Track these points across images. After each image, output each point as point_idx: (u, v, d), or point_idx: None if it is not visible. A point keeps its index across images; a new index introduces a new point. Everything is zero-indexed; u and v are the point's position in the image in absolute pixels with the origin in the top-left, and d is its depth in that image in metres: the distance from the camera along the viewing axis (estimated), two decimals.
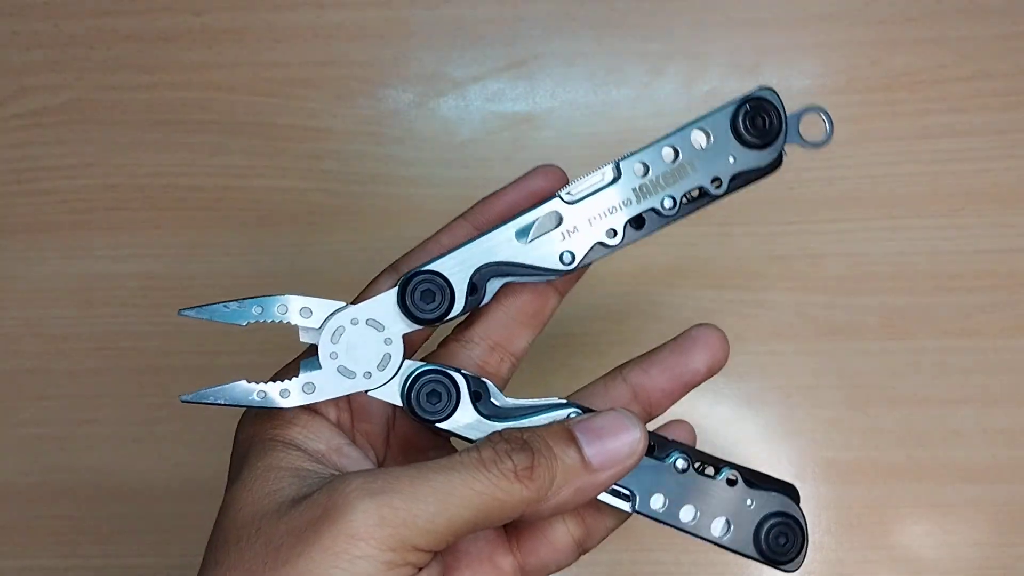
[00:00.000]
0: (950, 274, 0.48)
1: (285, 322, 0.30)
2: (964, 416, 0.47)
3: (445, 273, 0.30)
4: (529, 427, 0.29)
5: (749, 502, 0.31)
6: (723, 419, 0.47)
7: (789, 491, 0.32)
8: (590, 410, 0.31)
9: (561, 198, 0.31)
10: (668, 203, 0.31)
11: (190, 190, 0.50)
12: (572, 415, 0.30)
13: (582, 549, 0.32)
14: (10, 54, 0.51)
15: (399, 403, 0.30)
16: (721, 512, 0.31)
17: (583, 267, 0.31)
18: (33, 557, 0.48)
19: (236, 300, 0.30)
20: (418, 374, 0.30)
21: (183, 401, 0.29)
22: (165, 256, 0.50)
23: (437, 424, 0.30)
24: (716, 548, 0.32)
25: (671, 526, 0.31)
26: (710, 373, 0.33)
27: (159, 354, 0.49)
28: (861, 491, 0.46)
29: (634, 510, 0.31)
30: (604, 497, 0.30)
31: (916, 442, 0.47)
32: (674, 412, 0.47)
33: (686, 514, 0.31)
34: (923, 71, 0.50)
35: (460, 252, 0.31)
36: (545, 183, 0.32)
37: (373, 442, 0.33)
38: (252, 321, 0.30)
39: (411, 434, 0.33)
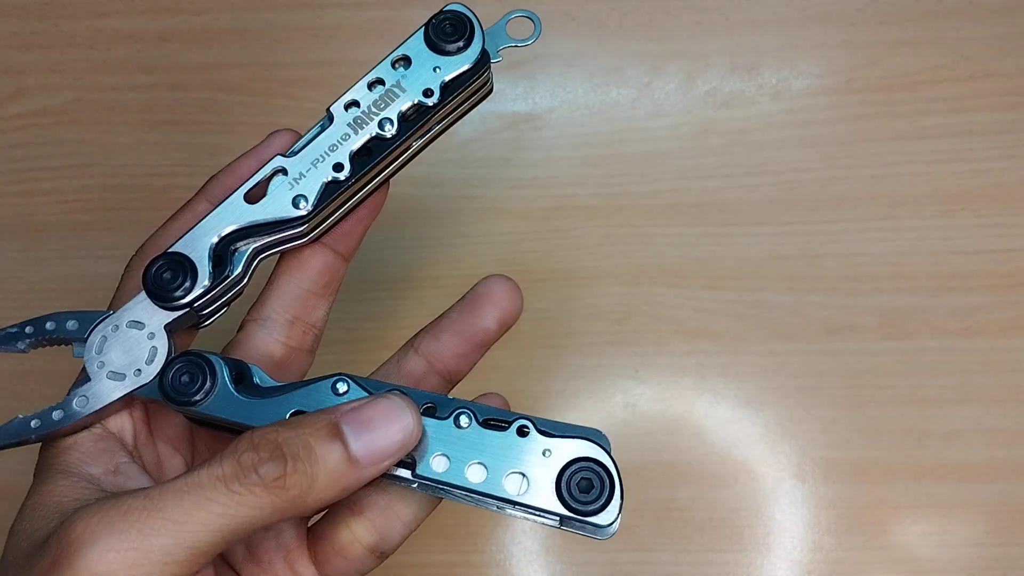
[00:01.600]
0: (950, 274, 0.48)
1: (58, 337, 0.30)
2: (964, 416, 0.47)
3: (184, 251, 0.30)
4: (290, 422, 0.26)
5: (546, 451, 0.28)
6: (723, 419, 0.47)
7: (595, 436, 0.28)
8: (354, 379, 0.29)
9: (281, 155, 0.31)
10: (388, 126, 0.31)
11: (190, 190, 0.50)
12: (339, 383, 0.29)
13: (379, 553, 0.31)
14: (10, 54, 0.51)
15: (157, 395, 0.29)
16: (515, 466, 0.28)
17: (324, 211, 0.31)
18: None
19: (13, 324, 0.31)
20: (170, 363, 0.29)
21: None
22: None
23: (194, 407, 0.29)
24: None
25: (460, 491, 0.28)
26: (503, 328, 0.32)
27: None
28: (861, 491, 0.46)
29: (415, 476, 0.28)
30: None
31: (915, 442, 0.47)
32: (672, 408, 0.48)
33: (475, 474, 0.28)
34: (923, 71, 0.50)
35: (195, 230, 0.30)
36: (277, 147, 0.31)
37: (178, 446, 0.32)
38: (27, 343, 0.30)
39: (214, 432, 0.31)
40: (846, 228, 0.49)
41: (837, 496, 0.46)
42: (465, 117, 0.33)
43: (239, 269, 0.31)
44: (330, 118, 0.31)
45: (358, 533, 0.30)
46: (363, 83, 0.31)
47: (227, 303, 0.31)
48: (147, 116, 0.51)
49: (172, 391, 0.29)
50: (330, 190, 0.30)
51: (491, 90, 0.33)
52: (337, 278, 0.33)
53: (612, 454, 0.28)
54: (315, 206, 0.30)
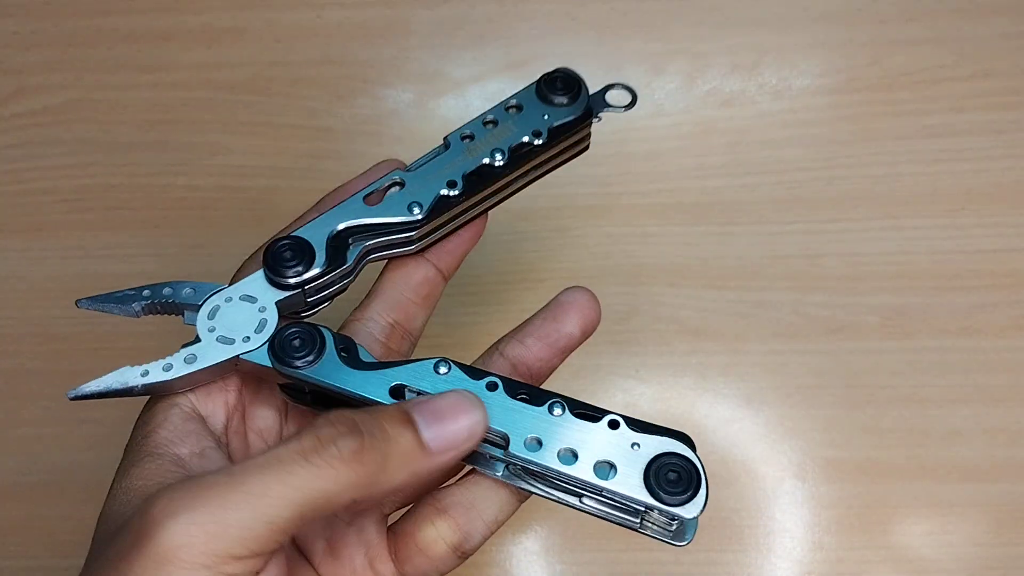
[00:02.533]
0: (950, 274, 0.48)
1: (173, 302, 0.32)
2: (964, 415, 0.47)
3: (304, 236, 0.32)
4: (365, 410, 0.27)
5: (635, 445, 0.29)
6: (723, 419, 0.47)
7: (681, 437, 0.30)
8: (454, 363, 0.31)
9: (399, 169, 0.34)
10: (498, 156, 0.33)
11: (190, 190, 0.50)
12: (441, 365, 0.30)
13: (461, 552, 0.31)
14: (10, 54, 0.51)
15: (267, 362, 0.31)
16: (604, 455, 0.29)
17: (433, 222, 0.33)
18: (33, 557, 0.48)
19: (128, 288, 0.33)
20: (284, 328, 0.31)
21: (70, 399, 0.30)
22: (165, 256, 0.50)
23: (300, 370, 0.30)
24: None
25: (547, 477, 0.29)
26: (584, 335, 0.34)
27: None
28: (861, 490, 0.46)
29: (507, 455, 0.29)
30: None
31: (916, 441, 0.47)
32: (673, 408, 0.47)
33: (565, 459, 0.29)
34: (923, 71, 0.50)
35: (317, 220, 0.33)
36: (385, 169, 0.34)
37: (268, 438, 0.33)
38: (143, 306, 0.32)
39: (304, 424, 0.32)
40: (847, 227, 0.49)
41: (838, 496, 0.46)
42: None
43: (350, 263, 0.33)
44: (446, 145, 0.34)
45: (442, 531, 0.31)
46: (479, 120, 0.34)
47: (332, 295, 0.33)
48: (147, 116, 0.51)
49: (282, 351, 0.30)
50: (441, 203, 0.33)
51: (588, 147, 0.36)
52: (436, 292, 0.35)
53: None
54: (427, 214, 0.33)
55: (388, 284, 0.34)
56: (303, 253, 0.32)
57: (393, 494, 0.28)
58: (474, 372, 0.30)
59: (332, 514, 0.31)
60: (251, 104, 0.51)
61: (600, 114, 0.35)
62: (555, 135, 0.34)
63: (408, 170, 0.34)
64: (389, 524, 0.32)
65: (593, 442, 0.29)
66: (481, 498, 0.31)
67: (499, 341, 0.34)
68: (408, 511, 0.32)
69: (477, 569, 0.47)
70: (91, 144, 0.51)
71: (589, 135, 0.36)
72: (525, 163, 0.34)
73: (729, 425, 0.47)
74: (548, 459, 0.29)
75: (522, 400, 0.30)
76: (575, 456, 0.29)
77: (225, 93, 0.51)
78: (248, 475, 0.25)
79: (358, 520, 0.32)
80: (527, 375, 0.33)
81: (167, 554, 0.24)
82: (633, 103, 0.36)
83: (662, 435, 0.29)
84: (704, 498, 0.29)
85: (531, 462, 0.29)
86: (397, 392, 0.30)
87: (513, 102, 0.34)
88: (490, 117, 0.34)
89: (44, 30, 0.51)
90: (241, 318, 0.31)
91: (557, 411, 0.29)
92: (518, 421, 0.29)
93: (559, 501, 0.30)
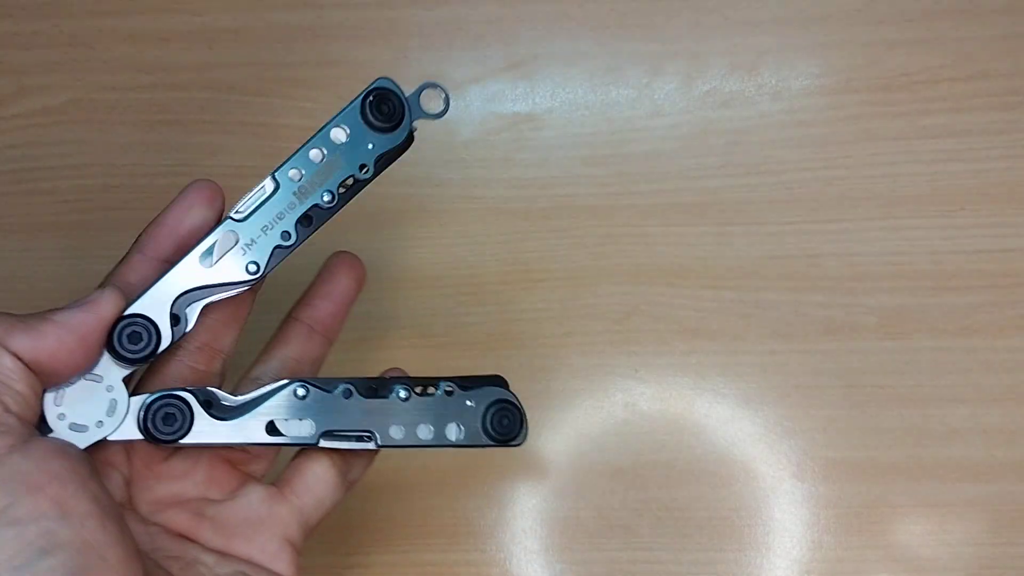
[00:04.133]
0: (949, 274, 0.48)
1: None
2: (963, 415, 0.47)
3: (146, 313, 0.33)
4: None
5: (469, 402, 0.36)
6: (722, 418, 0.47)
7: (498, 381, 0.36)
8: (309, 382, 0.35)
9: (232, 218, 0.34)
10: (327, 197, 0.34)
11: None
12: (299, 389, 0.35)
13: (348, 482, 0.37)
14: (10, 54, 0.51)
15: (139, 437, 0.33)
16: (451, 419, 0.36)
17: (270, 272, 0.35)
18: None
19: None
20: (148, 405, 0.33)
21: None
22: None
23: (179, 441, 0.33)
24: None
25: (418, 447, 0.35)
26: (359, 286, 0.40)
27: None
28: (860, 490, 0.46)
29: (379, 447, 0.35)
30: (349, 444, 0.35)
31: (915, 441, 0.47)
32: (671, 408, 0.47)
33: (424, 432, 0.35)
34: (922, 71, 0.50)
35: (153, 291, 0.33)
36: (200, 197, 0.35)
37: (116, 464, 0.34)
38: None
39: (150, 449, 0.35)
40: (846, 228, 0.49)
41: (836, 495, 0.46)
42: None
43: (192, 322, 0.34)
44: (275, 183, 0.34)
45: (329, 461, 0.36)
46: (307, 150, 0.34)
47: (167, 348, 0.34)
48: (147, 116, 0.51)
49: (160, 434, 0.33)
50: (277, 255, 0.34)
51: (412, 141, 0.36)
52: (243, 310, 0.37)
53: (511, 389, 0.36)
54: (265, 270, 0.34)
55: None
56: (149, 332, 0.33)
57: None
58: (328, 383, 0.35)
59: (206, 499, 0.35)
60: (251, 105, 0.51)
61: (415, 122, 0.36)
62: (380, 165, 0.35)
63: (238, 217, 0.34)
64: (276, 477, 0.36)
65: (440, 412, 0.36)
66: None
67: (290, 311, 0.39)
68: (294, 455, 0.37)
69: (477, 569, 0.47)
70: (91, 144, 0.51)
71: (412, 137, 0.36)
72: (350, 197, 0.35)
73: (728, 425, 0.47)
74: (413, 439, 0.35)
75: (371, 395, 0.35)
76: (431, 428, 0.36)
77: (225, 94, 0.51)
78: None
79: (235, 493, 0.35)
80: (323, 329, 0.38)
81: None
82: (446, 110, 0.36)
83: (484, 386, 0.36)
84: (526, 429, 0.37)
85: (403, 445, 0.35)
86: (272, 429, 0.34)
87: (340, 123, 0.35)
88: (319, 147, 0.34)
89: (44, 30, 0.51)
90: (90, 401, 0.32)
91: (403, 394, 0.35)
92: (377, 417, 0.35)
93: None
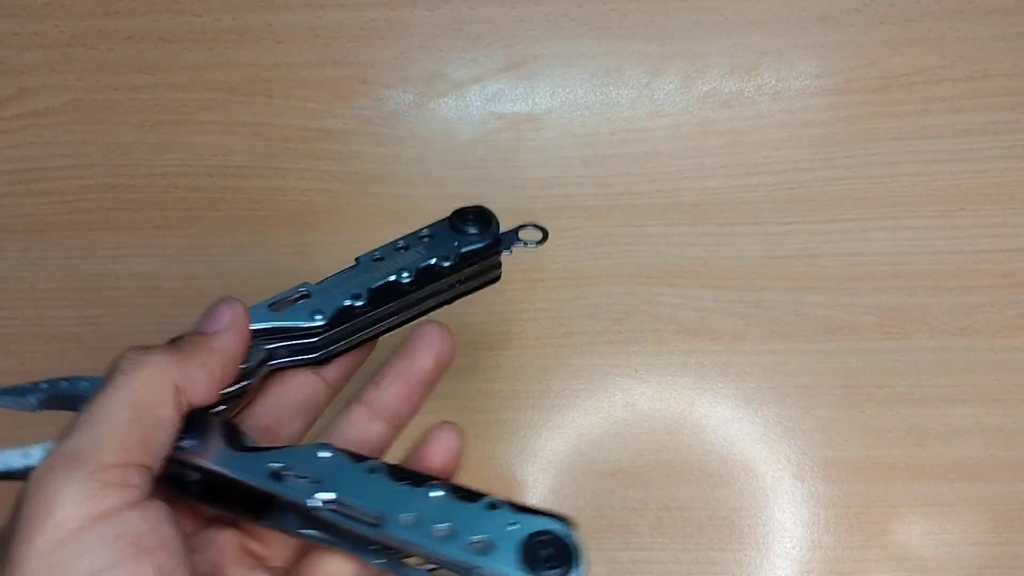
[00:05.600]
0: (948, 274, 0.48)
1: (71, 395, 0.31)
2: (962, 415, 0.47)
3: None
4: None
5: (513, 524, 0.28)
6: (722, 419, 0.47)
7: (561, 519, 0.29)
8: (337, 449, 0.30)
9: (308, 283, 0.34)
10: (405, 275, 0.35)
11: (190, 190, 0.51)
12: (322, 451, 0.30)
13: None
14: (10, 54, 0.51)
15: None
16: (482, 532, 0.28)
17: (344, 349, 0.35)
18: None
19: (27, 382, 0.32)
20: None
21: None
22: (165, 256, 0.50)
23: (181, 456, 0.30)
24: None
25: (427, 554, 0.28)
26: (439, 368, 0.35)
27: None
28: (860, 490, 0.46)
29: (379, 533, 0.28)
30: (349, 525, 0.29)
31: (914, 441, 0.47)
32: (671, 408, 0.48)
33: (440, 534, 0.28)
34: (922, 71, 0.50)
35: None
36: (230, 314, 0.32)
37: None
38: (40, 399, 0.32)
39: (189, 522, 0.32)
40: (845, 228, 0.49)
41: (836, 495, 0.46)
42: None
43: (252, 361, 0.33)
44: (356, 263, 0.35)
45: (341, 565, 0.31)
46: (391, 245, 0.35)
47: (229, 398, 0.32)
48: (148, 116, 0.51)
49: None
50: (344, 313, 0.34)
51: (499, 278, 0.38)
52: (318, 401, 0.35)
53: (579, 537, 0.28)
54: (329, 322, 0.33)
55: (269, 391, 0.35)
56: None
57: (212, 370, 0.30)
58: (355, 457, 0.30)
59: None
60: (251, 105, 0.51)
61: (511, 248, 0.37)
62: (463, 259, 0.35)
63: (317, 283, 0.34)
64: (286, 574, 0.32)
65: (471, 521, 0.28)
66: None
67: (359, 391, 0.35)
68: (304, 552, 0.32)
69: None
70: (91, 144, 0.51)
71: (500, 265, 0.38)
72: (432, 282, 0.35)
73: (728, 425, 0.47)
74: (424, 538, 0.28)
75: (404, 484, 0.29)
76: (453, 535, 0.28)
77: (225, 94, 0.51)
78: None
79: None
80: (386, 414, 0.34)
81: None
82: (544, 239, 0.37)
83: (540, 516, 0.28)
84: (583, 571, 0.28)
85: (407, 541, 0.28)
86: (276, 475, 0.29)
87: (426, 232, 0.36)
88: (402, 244, 0.35)
89: (44, 31, 0.51)
90: None
91: (436, 493, 0.29)
92: (395, 502, 0.29)
93: None
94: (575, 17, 0.51)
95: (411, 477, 0.29)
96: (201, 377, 0.29)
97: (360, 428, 0.34)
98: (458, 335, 0.49)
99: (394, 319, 0.36)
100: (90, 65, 0.51)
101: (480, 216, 0.36)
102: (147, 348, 0.29)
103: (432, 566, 0.29)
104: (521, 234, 0.38)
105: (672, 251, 0.49)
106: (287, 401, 0.34)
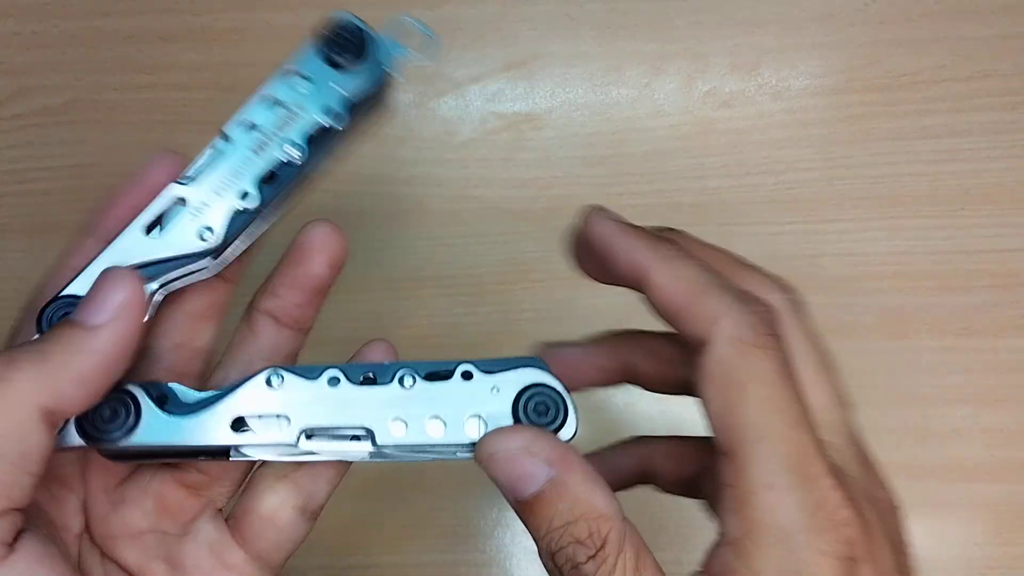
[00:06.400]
0: (949, 274, 0.48)
1: None
2: (963, 416, 0.47)
3: (80, 293, 0.28)
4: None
5: (494, 388, 0.28)
6: None
7: (534, 363, 0.28)
8: (285, 369, 0.28)
9: (178, 182, 0.29)
10: (294, 151, 0.29)
11: None
12: (272, 377, 0.28)
13: (309, 513, 0.30)
14: (10, 54, 0.51)
15: (79, 442, 0.27)
16: (470, 410, 0.27)
17: (232, 241, 0.29)
18: None
19: None
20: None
21: None
22: None
23: (124, 444, 0.27)
24: None
25: (427, 451, 0.28)
26: (334, 271, 0.32)
27: None
28: None
29: (376, 446, 0.27)
30: (338, 447, 0.28)
31: (915, 442, 0.47)
32: (673, 408, 0.47)
33: (434, 429, 0.27)
34: (923, 71, 0.50)
35: (90, 268, 0.28)
36: (162, 172, 0.29)
37: (71, 485, 0.30)
38: None
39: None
40: (846, 228, 0.49)
41: None
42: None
43: (149, 308, 0.28)
44: (226, 139, 0.29)
45: (283, 495, 0.30)
46: (258, 100, 0.30)
47: None
48: (147, 116, 0.51)
49: (93, 428, 0.27)
50: (238, 219, 0.29)
51: (390, 105, 0.31)
52: (222, 301, 0.32)
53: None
54: (224, 239, 0.29)
55: (168, 307, 0.31)
56: None
57: (91, 381, 0.26)
58: (309, 371, 0.28)
59: (160, 532, 0.30)
60: None
61: (397, 61, 0.30)
62: (358, 112, 0.29)
63: (187, 181, 0.29)
64: (229, 514, 0.31)
65: (455, 401, 0.28)
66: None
67: (252, 299, 0.32)
68: (244, 488, 0.31)
69: (477, 569, 0.47)
70: (91, 144, 0.51)
71: (390, 93, 0.31)
72: (328, 151, 0.30)
73: None
74: (419, 437, 0.27)
75: (367, 383, 0.28)
76: (444, 423, 0.27)
77: (225, 94, 0.51)
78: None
79: (190, 527, 0.30)
80: (291, 323, 0.32)
81: None
82: (436, 44, 0.31)
83: (515, 368, 0.28)
84: (575, 417, 0.28)
85: (404, 446, 0.27)
86: (239, 424, 0.28)
87: (295, 68, 0.30)
88: (270, 94, 0.30)
89: (44, 31, 0.51)
90: None
91: (408, 382, 0.28)
92: (374, 409, 0.28)
93: (440, 457, 0.28)
94: (575, 16, 0.51)
95: (372, 372, 0.28)
96: (76, 393, 0.25)
97: (270, 339, 0.32)
98: (457, 335, 0.50)
99: (291, 203, 0.30)
100: (89, 65, 0.51)
101: (349, 36, 0.30)
102: (2, 361, 0.24)
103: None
104: (402, 41, 0.31)
105: None
106: (191, 309, 0.31)
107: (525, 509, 0.25)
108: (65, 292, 0.28)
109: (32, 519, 0.26)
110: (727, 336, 0.25)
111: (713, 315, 0.25)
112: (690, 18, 0.51)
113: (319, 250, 0.32)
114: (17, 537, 0.25)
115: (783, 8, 0.50)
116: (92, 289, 0.26)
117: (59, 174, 0.50)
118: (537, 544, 0.26)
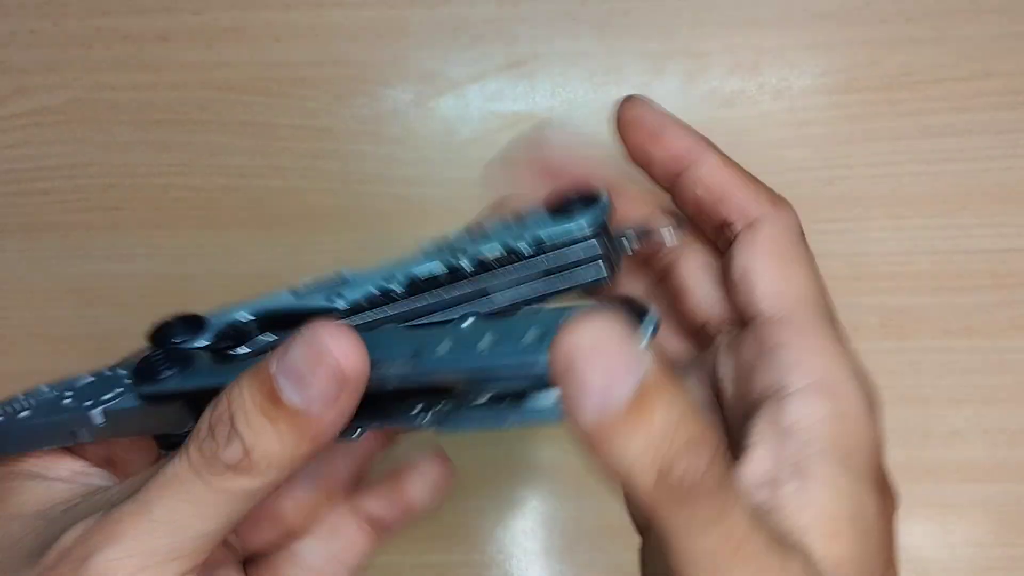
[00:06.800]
0: (951, 274, 0.48)
1: None
2: (964, 416, 0.47)
3: (201, 314, 0.28)
4: (232, 388, 0.24)
5: (565, 311, 0.23)
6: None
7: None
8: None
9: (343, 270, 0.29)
10: (464, 260, 0.27)
11: (190, 190, 0.50)
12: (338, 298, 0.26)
13: (383, 529, 0.31)
14: (9, 54, 0.51)
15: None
16: (534, 328, 0.23)
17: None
18: None
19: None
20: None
21: None
22: (165, 256, 0.50)
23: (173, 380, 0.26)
24: None
25: (468, 367, 0.23)
26: (433, 501, 0.33)
27: None
28: None
29: (421, 362, 0.23)
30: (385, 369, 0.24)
31: (916, 442, 0.47)
32: None
33: (485, 343, 0.23)
34: (923, 70, 0.50)
35: (232, 305, 0.28)
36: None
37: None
38: None
39: None
40: (847, 227, 0.49)
41: None
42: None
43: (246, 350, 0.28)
44: (421, 251, 0.29)
45: (358, 517, 0.31)
46: (463, 229, 0.29)
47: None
48: (147, 115, 0.51)
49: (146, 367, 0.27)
50: (374, 301, 0.28)
51: (608, 280, 0.27)
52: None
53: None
54: (352, 306, 0.28)
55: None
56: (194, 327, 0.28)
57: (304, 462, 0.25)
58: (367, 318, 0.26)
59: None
60: (251, 104, 0.50)
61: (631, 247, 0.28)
62: (541, 248, 0.27)
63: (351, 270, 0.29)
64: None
65: (513, 327, 0.23)
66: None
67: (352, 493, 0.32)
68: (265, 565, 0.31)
69: (476, 570, 0.47)
70: (91, 144, 0.51)
71: (613, 269, 0.27)
72: (488, 273, 0.28)
73: None
74: (469, 350, 0.23)
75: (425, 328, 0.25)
76: (497, 336, 0.23)
77: (225, 93, 0.51)
78: (152, 502, 0.24)
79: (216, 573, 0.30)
80: (376, 526, 0.32)
81: None
82: (678, 232, 0.30)
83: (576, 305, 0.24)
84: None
85: (455, 361, 0.23)
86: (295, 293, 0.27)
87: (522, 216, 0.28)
88: (475, 224, 0.28)
89: (43, 30, 0.51)
90: None
91: (468, 321, 0.25)
92: (425, 339, 0.24)
93: (495, 425, 0.24)
94: (575, 16, 0.51)
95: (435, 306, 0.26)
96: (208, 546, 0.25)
97: (348, 532, 0.31)
98: None
99: (436, 316, 0.28)
100: (88, 64, 0.51)
101: (582, 195, 0.27)
102: (247, 454, 0.23)
103: (489, 394, 0.24)
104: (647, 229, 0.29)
105: None
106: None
107: (615, 425, 0.20)
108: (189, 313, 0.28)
109: None
110: (784, 221, 0.29)
111: (767, 200, 0.29)
112: (690, 18, 0.50)
113: (425, 479, 0.32)
114: None
115: (783, 8, 0.50)
116: (314, 351, 0.23)
117: (57, 173, 0.50)
118: (628, 476, 0.20)
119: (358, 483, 0.32)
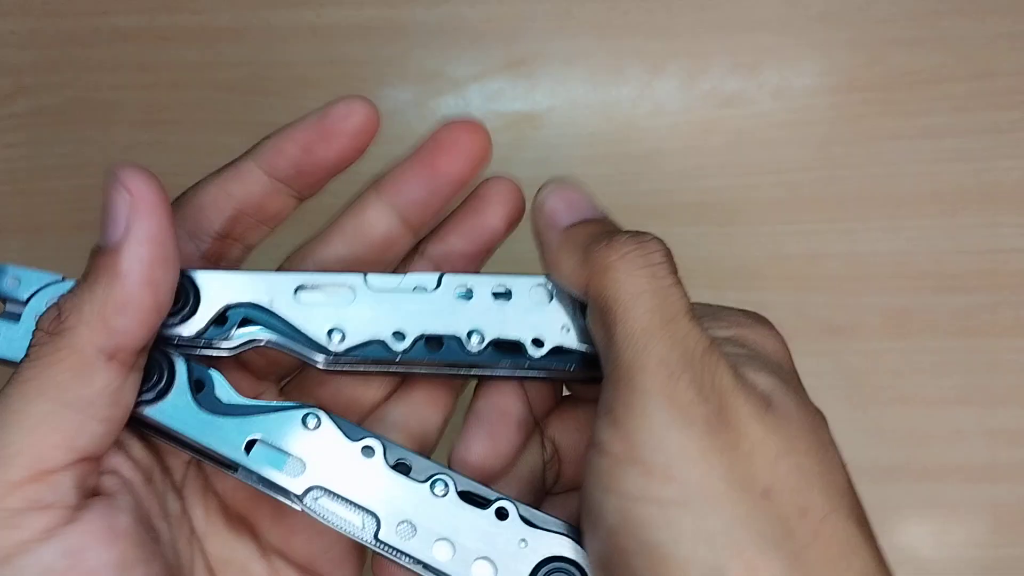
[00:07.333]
0: (951, 274, 0.48)
1: None
2: (965, 416, 0.47)
3: (194, 281, 0.27)
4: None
5: (523, 541, 0.25)
6: None
7: (573, 533, 0.26)
8: (329, 417, 0.26)
9: (365, 279, 0.27)
10: (476, 339, 0.26)
11: None
12: (309, 417, 0.26)
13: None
14: (9, 53, 0.51)
15: None
16: (486, 552, 0.25)
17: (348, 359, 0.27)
18: None
19: None
20: None
21: None
22: None
23: (140, 407, 0.26)
24: None
25: (423, 569, 0.26)
26: (509, 228, 0.31)
27: None
28: (861, 491, 0.46)
29: (376, 540, 0.26)
30: (338, 511, 0.26)
31: (916, 442, 0.47)
32: None
33: (441, 552, 0.25)
34: (923, 71, 0.49)
35: (228, 275, 0.27)
36: (348, 121, 0.29)
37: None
38: None
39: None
40: (848, 228, 0.49)
41: None
42: None
43: (227, 339, 0.27)
44: (438, 284, 0.27)
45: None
46: (492, 281, 0.27)
47: (184, 348, 0.27)
48: (146, 115, 0.51)
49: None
50: (372, 349, 0.26)
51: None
52: (284, 214, 0.32)
53: None
54: (346, 351, 0.26)
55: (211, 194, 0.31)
56: (186, 297, 0.27)
57: (132, 304, 0.24)
58: (351, 431, 0.26)
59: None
60: (250, 104, 0.50)
61: None
62: (561, 356, 0.27)
63: (371, 285, 0.27)
64: None
65: (476, 534, 0.25)
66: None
67: (419, 243, 0.31)
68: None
69: None
70: (90, 144, 0.50)
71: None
72: (505, 367, 0.27)
73: None
74: (422, 552, 0.25)
75: (400, 470, 0.26)
76: (453, 548, 0.25)
77: (224, 93, 0.51)
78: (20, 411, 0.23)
79: None
80: (453, 270, 0.29)
81: None
82: None
83: (555, 532, 0.26)
84: None
85: (401, 552, 0.25)
86: (251, 448, 0.26)
87: (546, 284, 0.28)
88: (504, 288, 0.27)
89: (42, 29, 0.51)
90: None
91: (440, 490, 0.26)
92: (393, 498, 0.26)
93: None
94: (576, 15, 0.51)
95: (410, 461, 0.26)
96: (125, 322, 0.23)
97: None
98: None
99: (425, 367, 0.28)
100: (88, 64, 0.51)
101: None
102: (58, 316, 0.23)
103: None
104: None
105: (672, 251, 0.49)
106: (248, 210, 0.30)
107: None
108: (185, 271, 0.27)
109: (129, 484, 0.25)
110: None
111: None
112: (691, 17, 0.50)
113: (501, 203, 0.31)
114: (89, 498, 0.23)
115: (785, 7, 0.50)
116: (104, 198, 0.24)
117: (57, 173, 0.50)
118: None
119: None
